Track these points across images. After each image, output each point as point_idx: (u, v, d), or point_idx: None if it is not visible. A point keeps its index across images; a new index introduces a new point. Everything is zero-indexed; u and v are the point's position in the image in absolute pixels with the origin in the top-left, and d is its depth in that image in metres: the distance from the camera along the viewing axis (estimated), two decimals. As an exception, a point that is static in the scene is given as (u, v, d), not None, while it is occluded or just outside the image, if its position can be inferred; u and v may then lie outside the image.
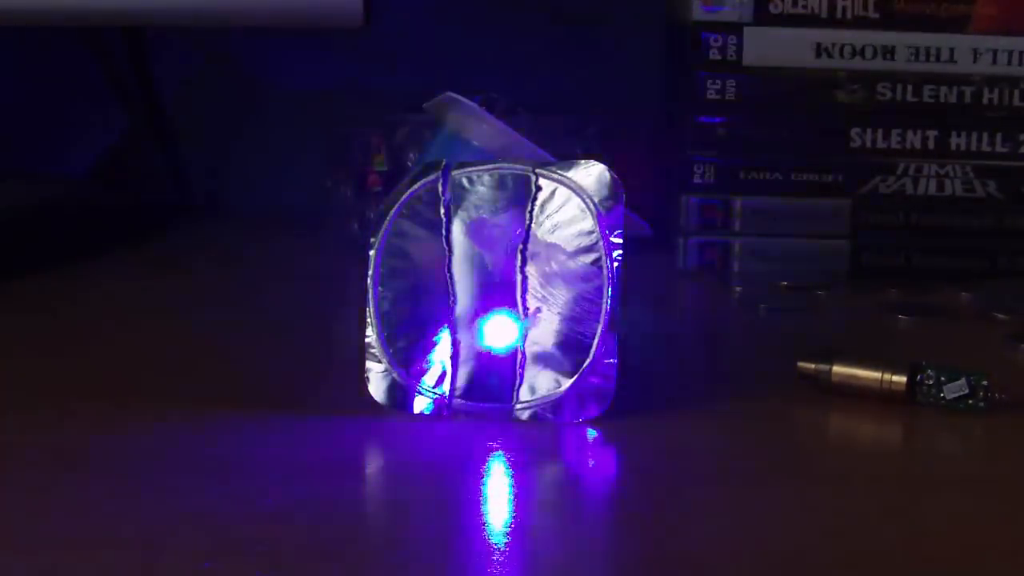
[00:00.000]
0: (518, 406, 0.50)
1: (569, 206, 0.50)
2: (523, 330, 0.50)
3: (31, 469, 0.46)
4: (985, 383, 0.52)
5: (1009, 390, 0.52)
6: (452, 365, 0.51)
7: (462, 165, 0.51)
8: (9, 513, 0.42)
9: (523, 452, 0.49)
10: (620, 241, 0.50)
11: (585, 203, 0.50)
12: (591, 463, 0.49)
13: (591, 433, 0.50)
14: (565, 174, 0.50)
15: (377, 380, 0.51)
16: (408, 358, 0.51)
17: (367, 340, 0.51)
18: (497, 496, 0.45)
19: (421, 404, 0.51)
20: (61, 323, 0.65)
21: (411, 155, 0.77)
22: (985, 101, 0.74)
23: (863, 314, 0.69)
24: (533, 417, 0.50)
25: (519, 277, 0.51)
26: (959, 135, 0.75)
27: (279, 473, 0.46)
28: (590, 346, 0.50)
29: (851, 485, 0.46)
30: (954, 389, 0.52)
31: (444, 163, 0.51)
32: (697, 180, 0.75)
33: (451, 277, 0.51)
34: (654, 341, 0.64)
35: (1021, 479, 0.47)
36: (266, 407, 0.52)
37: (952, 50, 0.74)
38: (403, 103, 0.76)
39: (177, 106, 0.94)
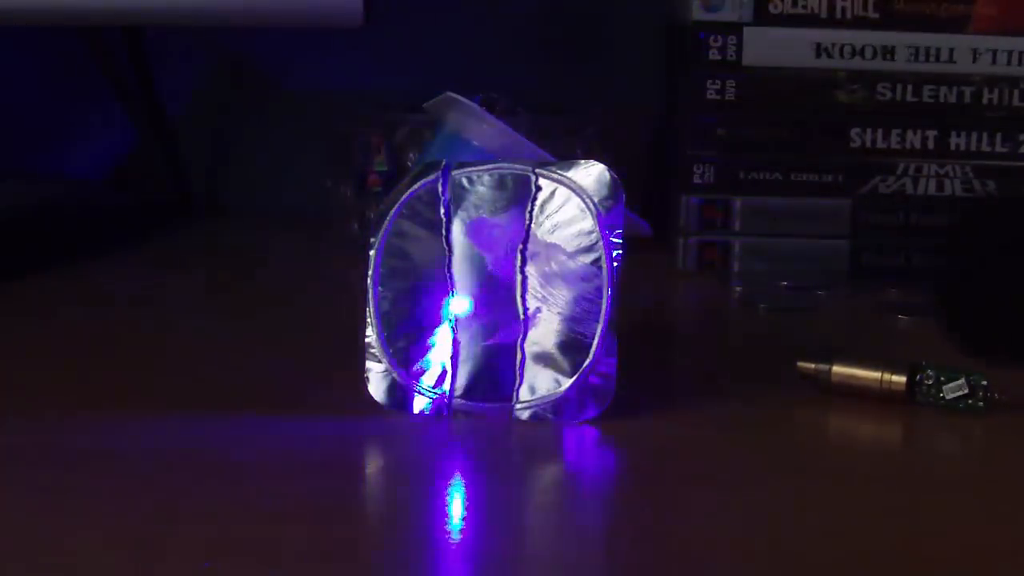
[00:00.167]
0: (518, 406, 0.50)
1: (569, 206, 0.50)
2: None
3: (31, 469, 0.46)
4: (984, 383, 0.52)
5: (1008, 390, 0.52)
6: (452, 365, 0.51)
7: (462, 165, 0.51)
8: (9, 513, 0.43)
9: (523, 452, 0.49)
10: (620, 241, 0.50)
11: (585, 203, 0.50)
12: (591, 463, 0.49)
13: (591, 433, 0.50)
14: (565, 174, 0.50)
15: (377, 380, 0.51)
16: (408, 358, 0.51)
17: (367, 340, 0.51)
18: (496, 496, 0.45)
19: (421, 404, 0.51)
20: (61, 323, 0.65)
21: (411, 155, 0.77)
22: (985, 101, 0.74)
23: (863, 314, 0.69)
24: (533, 417, 0.50)
25: (519, 277, 0.51)
26: (959, 135, 0.75)
27: (279, 473, 0.46)
28: (590, 346, 0.50)
29: (851, 485, 0.46)
30: (953, 389, 0.52)
31: (444, 163, 0.51)
32: (697, 180, 0.75)
33: (451, 277, 0.51)
34: (654, 341, 0.64)
35: (1021, 479, 0.47)
36: (266, 407, 0.52)
37: (952, 50, 0.74)
38: (403, 103, 0.77)
39: (177, 106, 0.94)
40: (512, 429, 0.50)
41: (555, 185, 0.50)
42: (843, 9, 0.74)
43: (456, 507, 0.44)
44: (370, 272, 0.51)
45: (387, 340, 0.51)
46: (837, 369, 0.53)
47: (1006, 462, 0.49)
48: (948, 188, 0.75)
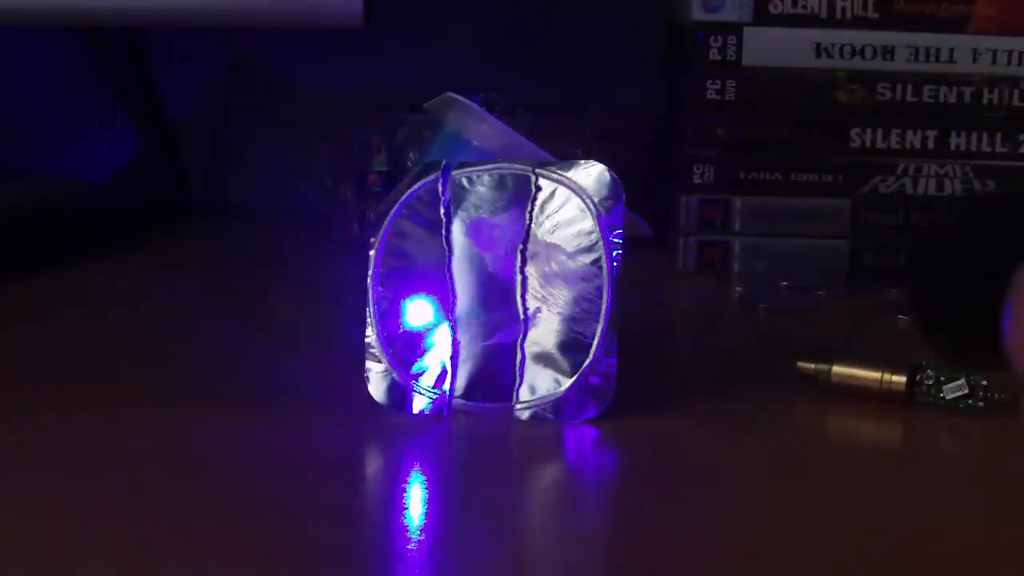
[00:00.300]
0: (518, 406, 0.50)
1: (569, 206, 0.50)
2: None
3: (31, 469, 0.46)
4: (984, 383, 0.52)
5: (1008, 390, 0.52)
6: (452, 365, 0.51)
7: (462, 165, 0.51)
8: (10, 513, 0.43)
9: (522, 452, 0.49)
10: (620, 241, 0.50)
11: (585, 203, 0.50)
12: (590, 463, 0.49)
13: (591, 433, 0.50)
14: (565, 174, 0.50)
15: (377, 380, 0.51)
16: (408, 358, 0.51)
17: (367, 340, 0.51)
18: (496, 496, 0.45)
19: (421, 404, 0.51)
20: (61, 323, 0.65)
21: (411, 155, 0.77)
22: (985, 101, 0.74)
23: (863, 314, 0.69)
24: (533, 417, 0.50)
25: (519, 277, 0.51)
26: (959, 135, 0.75)
27: (279, 473, 0.46)
28: (590, 346, 0.50)
29: (851, 485, 0.46)
30: (953, 389, 0.52)
31: (444, 163, 0.51)
32: (697, 180, 0.75)
33: (451, 277, 0.51)
34: (654, 341, 0.64)
35: (1020, 479, 0.47)
36: (267, 407, 0.52)
37: (952, 50, 0.74)
38: (403, 103, 0.77)
39: (178, 106, 0.94)
40: (512, 429, 0.50)
41: (555, 185, 0.50)
42: (843, 9, 0.74)
43: (455, 507, 0.44)
44: (370, 272, 0.51)
45: (387, 340, 0.51)
46: (837, 369, 0.53)
47: (1006, 462, 0.49)
48: (948, 188, 0.75)
